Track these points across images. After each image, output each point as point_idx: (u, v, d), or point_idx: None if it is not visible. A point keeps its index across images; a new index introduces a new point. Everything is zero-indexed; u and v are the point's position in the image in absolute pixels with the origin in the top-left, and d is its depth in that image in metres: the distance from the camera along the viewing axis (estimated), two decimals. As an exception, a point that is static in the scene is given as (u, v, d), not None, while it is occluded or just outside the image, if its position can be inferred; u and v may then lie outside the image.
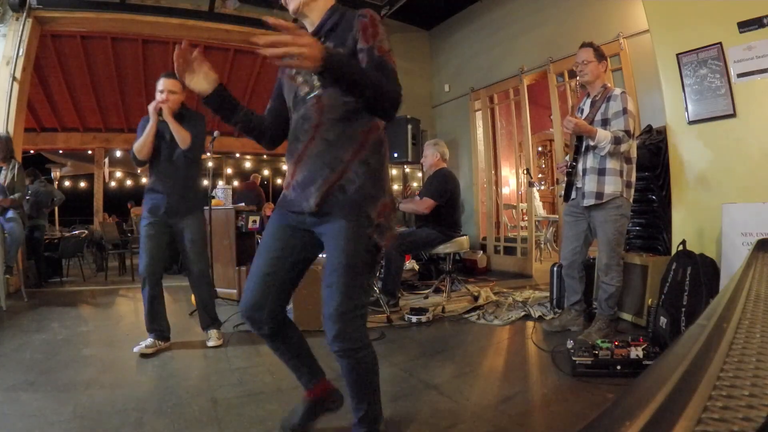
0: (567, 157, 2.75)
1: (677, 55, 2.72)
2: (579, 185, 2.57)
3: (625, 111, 2.38)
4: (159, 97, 2.40)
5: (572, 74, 3.15)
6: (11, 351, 2.49)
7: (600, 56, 2.53)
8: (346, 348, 1.27)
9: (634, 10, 3.79)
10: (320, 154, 1.28)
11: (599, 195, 2.45)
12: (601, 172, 2.45)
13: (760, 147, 2.42)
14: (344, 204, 1.25)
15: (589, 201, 2.49)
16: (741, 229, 2.28)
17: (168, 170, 2.45)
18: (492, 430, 1.59)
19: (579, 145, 2.55)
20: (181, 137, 2.39)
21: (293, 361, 1.51)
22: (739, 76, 2.47)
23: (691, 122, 2.70)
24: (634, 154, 2.53)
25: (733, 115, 2.51)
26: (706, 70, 2.60)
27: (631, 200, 2.54)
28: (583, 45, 2.58)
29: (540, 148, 7.82)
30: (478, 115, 5.92)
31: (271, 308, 1.37)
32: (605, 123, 2.45)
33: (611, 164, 2.43)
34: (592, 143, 2.41)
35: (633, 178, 2.52)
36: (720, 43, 2.52)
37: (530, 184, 5.17)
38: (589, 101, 2.62)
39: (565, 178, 2.65)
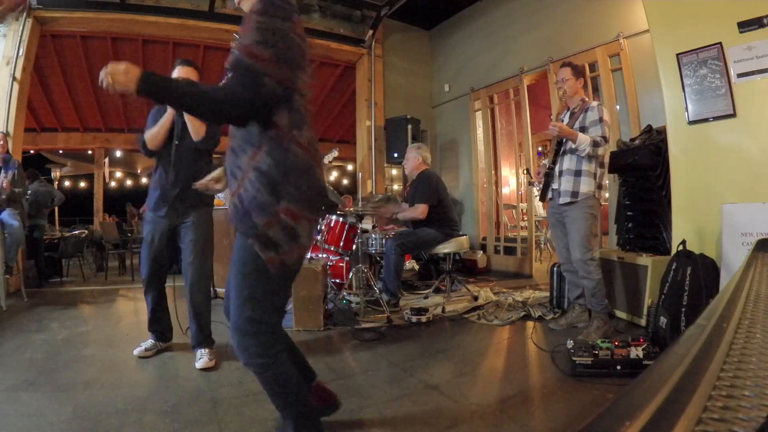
0: (545, 161, 2.95)
1: (677, 55, 2.72)
2: (555, 186, 2.77)
3: (601, 120, 2.61)
4: None
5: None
6: (11, 351, 2.49)
7: (578, 74, 2.79)
8: (246, 362, 1.26)
9: (634, 10, 3.79)
10: (229, 165, 1.27)
11: (575, 194, 2.65)
12: (577, 173, 2.66)
13: (760, 147, 2.42)
14: (240, 215, 1.21)
15: (564, 199, 2.68)
16: (741, 229, 2.28)
17: (174, 162, 2.32)
18: (492, 430, 1.59)
19: (558, 149, 2.77)
20: (195, 127, 2.26)
21: None
22: (739, 76, 2.46)
23: (691, 122, 2.70)
24: (606, 159, 2.82)
25: (733, 115, 2.50)
26: (706, 70, 2.59)
27: (601, 201, 2.79)
28: (563, 65, 2.84)
29: (540, 148, 7.82)
30: (478, 115, 5.92)
31: None
32: (583, 130, 2.68)
33: (586, 166, 2.64)
34: (573, 146, 2.62)
35: (605, 181, 2.81)
36: (720, 43, 2.51)
37: (530, 184, 5.17)
38: (568, 113, 2.84)
39: (543, 180, 2.86)
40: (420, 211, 3.63)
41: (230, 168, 1.26)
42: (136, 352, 2.39)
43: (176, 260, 2.61)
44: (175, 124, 2.35)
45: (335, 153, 4.38)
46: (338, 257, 3.75)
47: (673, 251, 2.56)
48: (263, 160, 1.18)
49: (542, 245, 6.35)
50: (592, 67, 4.33)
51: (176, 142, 2.34)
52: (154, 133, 2.33)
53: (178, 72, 2.35)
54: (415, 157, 3.89)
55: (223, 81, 1.21)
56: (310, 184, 1.24)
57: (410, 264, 4.88)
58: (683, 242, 2.47)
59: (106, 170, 9.58)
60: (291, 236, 1.20)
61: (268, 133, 1.20)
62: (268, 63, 1.15)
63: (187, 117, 2.28)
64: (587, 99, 2.81)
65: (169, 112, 2.33)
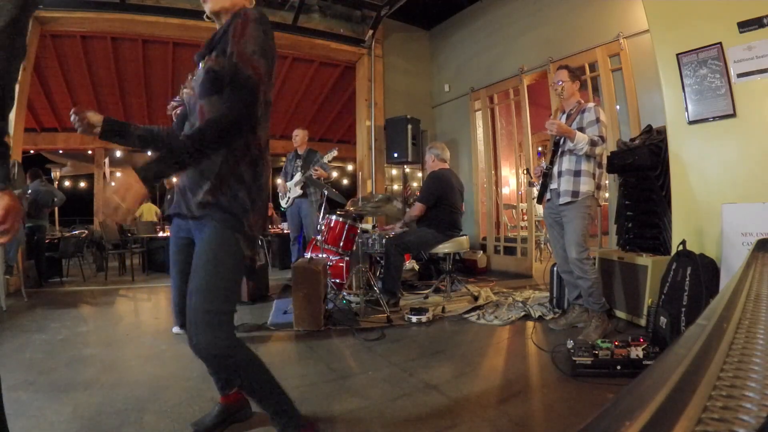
0: (543, 163, 2.95)
1: (677, 55, 2.72)
2: (554, 186, 2.77)
3: (598, 120, 2.62)
4: None
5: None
6: (11, 351, 2.49)
7: (574, 77, 2.83)
8: (207, 355, 1.24)
9: (634, 10, 3.79)
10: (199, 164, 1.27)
11: (575, 193, 2.65)
12: (577, 173, 2.66)
13: (760, 147, 2.42)
14: (219, 212, 1.25)
15: (564, 198, 2.68)
16: (741, 229, 2.28)
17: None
18: (492, 430, 1.59)
19: (555, 150, 2.78)
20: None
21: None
22: (739, 76, 2.46)
23: (691, 122, 2.70)
24: (604, 160, 2.85)
25: (733, 115, 2.50)
26: (706, 70, 2.60)
27: (600, 201, 2.79)
28: (560, 67, 2.89)
29: (540, 148, 7.82)
30: (478, 115, 5.92)
31: None
32: (581, 131, 2.68)
33: (585, 166, 2.65)
34: (571, 144, 2.62)
35: (604, 181, 2.82)
36: (720, 43, 2.51)
37: (530, 184, 5.17)
38: (564, 116, 2.84)
39: (540, 181, 2.87)
40: (416, 209, 3.71)
41: (203, 167, 1.27)
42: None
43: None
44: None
45: (335, 153, 4.38)
46: (338, 257, 3.75)
47: (673, 251, 2.56)
48: (246, 173, 1.27)
49: (542, 245, 6.35)
50: (592, 67, 4.34)
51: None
52: None
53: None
54: (429, 156, 3.97)
55: (202, 78, 1.27)
56: (264, 194, 1.36)
57: (410, 264, 4.88)
58: (683, 242, 2.47)
59: (106, 170, 9.57)
60: (259, 234, 1.34)
61: (252, 150, 1.28)
62: (263, 77, 1.20)
63: None
64: (583, 101, 2.82)
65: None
